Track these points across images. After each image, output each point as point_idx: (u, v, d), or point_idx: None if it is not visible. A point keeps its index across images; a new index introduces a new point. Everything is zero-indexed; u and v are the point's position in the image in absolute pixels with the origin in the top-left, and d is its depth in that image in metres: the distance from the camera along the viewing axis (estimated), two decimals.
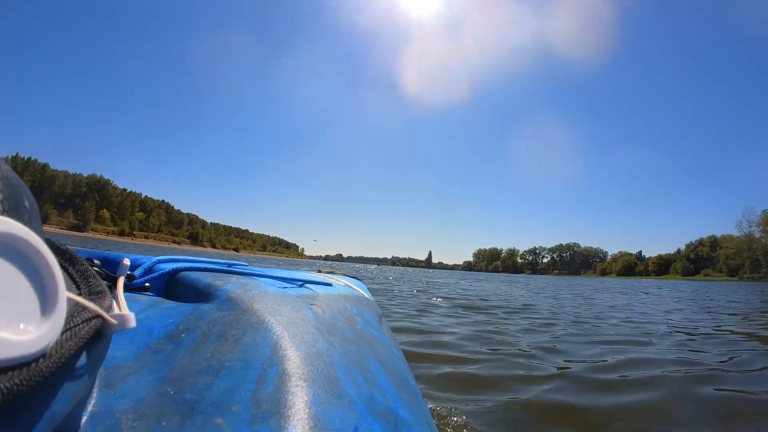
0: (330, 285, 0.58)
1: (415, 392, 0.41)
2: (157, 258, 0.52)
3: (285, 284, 0.50)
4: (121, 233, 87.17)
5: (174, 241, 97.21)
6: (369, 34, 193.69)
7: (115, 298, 0.27)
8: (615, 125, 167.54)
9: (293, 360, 0.30)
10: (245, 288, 0.41)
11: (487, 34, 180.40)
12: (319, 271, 0.82)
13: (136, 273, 0.47)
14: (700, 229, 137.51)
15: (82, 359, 0.19)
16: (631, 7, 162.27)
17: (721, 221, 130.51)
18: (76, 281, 0.23)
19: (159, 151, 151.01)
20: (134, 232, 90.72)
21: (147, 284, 0.45)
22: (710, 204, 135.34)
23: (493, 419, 1.33)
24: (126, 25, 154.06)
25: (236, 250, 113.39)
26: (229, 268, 0.52)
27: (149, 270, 0.49)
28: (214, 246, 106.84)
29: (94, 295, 0.22)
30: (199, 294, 0.42)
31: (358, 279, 0.83)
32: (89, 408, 0.24)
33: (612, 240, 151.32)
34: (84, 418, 0.23)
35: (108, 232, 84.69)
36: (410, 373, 0.46)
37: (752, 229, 68.46)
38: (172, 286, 0.48)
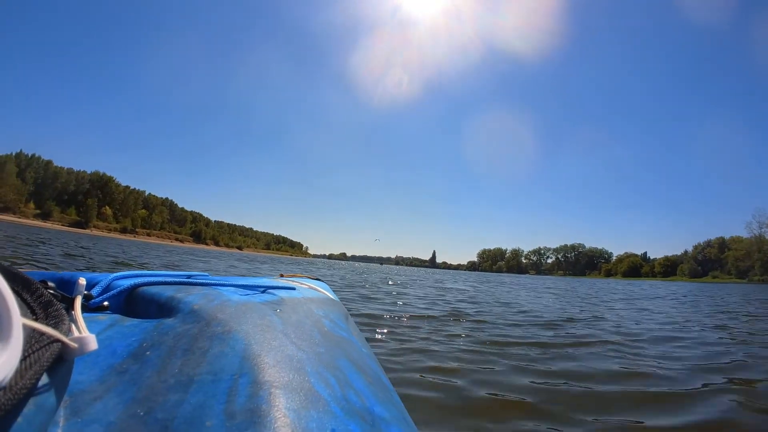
0: (293, 289, 0.57)
1: (389, 389, 0.41)
2: (115, 275, 0.50)
3: (247, 291, 0.49)
4: (123, 231, 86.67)
5: (177, 239, 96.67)
6: (365, 30, 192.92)
7: (74, 320, 0.26)
8: (618, 124, 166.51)
9: (263, 368, 0.29)
10: (208, 298, 0.40)
11: (484, 24, 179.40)
12: (281, 276, 0.81)
13: (94, 292, 0.45)
14: (708, 230, 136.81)
15: (45, 387, 0.19)
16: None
17: (729, 222, 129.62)
18: (30, 306, 0.22)
19: (164, 150, 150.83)
20: (136, 230, 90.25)
21: (105, 303, 0.44)
22: (718, 205, 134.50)
23: None
24: (126, 25, 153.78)
25: (239, 248, 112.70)
26: (189, 280, 0.51)
27: (107, 288, 0.47)
28: (217, 244, 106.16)
29: (51, 318, 0.22)
30: (161, 308, 0.40)
31: (321, 280, 0.83)
32: None
33: (616, 241, 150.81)
34: None
35: (110, 230, 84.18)
36: (382, 371, 0.46)
37: (762, 230, 67.74)
38: (132, 303, 0.46)
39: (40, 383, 0.18)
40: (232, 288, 0.49)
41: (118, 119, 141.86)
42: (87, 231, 76.00)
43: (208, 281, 0.52)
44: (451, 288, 9.34)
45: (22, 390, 0.16)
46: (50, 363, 0.18)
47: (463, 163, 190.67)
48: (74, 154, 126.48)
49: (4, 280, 0.16)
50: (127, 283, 0.47)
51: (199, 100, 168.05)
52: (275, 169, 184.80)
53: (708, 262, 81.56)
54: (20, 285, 0.24)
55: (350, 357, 0.40)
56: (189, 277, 0.55)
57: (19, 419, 0.17)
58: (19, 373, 0.16)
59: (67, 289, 0.37)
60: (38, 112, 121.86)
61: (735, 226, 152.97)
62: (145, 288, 0.46)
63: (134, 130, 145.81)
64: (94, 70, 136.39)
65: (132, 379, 0.28)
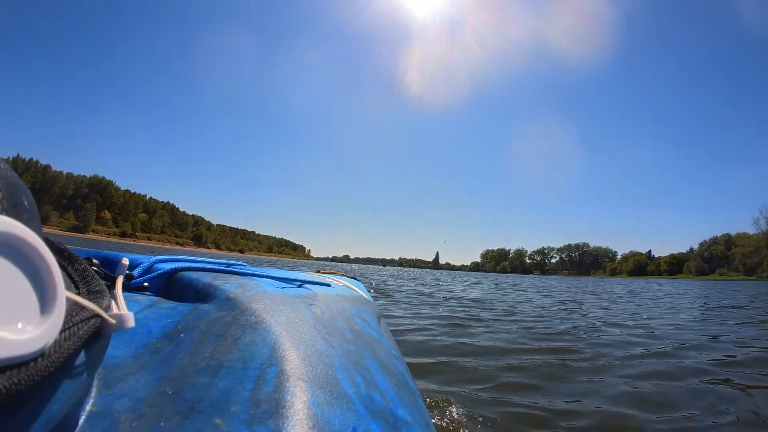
0: (329, 285, 0.58)
1: (414, 393, 0.41)
2: (156, 258, 0.52)
3: (284, 284, 0.50)
4: (123, 234, 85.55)
5: (177, 243, 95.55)
6: (372, 35, 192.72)
7: (114, 297, 0.27)
8: (622, 123, 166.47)
9: (292, 360, 0.30)
10: (244, 288, 0.41)
11: (490, 33, 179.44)
12: (318, 272, 0.82)
13: (135, 273, 0.46)
14: (713, 227, 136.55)
15: (81, 359, 0.19)
16: (636, 3, 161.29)
17: (735, 219, 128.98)
18: (74, 280, 0.23)
19: (166, 154, 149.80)
20: (136, 234, 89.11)
21: (146, 284, 0.45)
22: (723, 201, 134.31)
23: None
24: (127, 25, 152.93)
25: (241, 251, 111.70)
26: (228, 268, 0.52)
27: (148, 270, 0.49)
28: (218, 247, 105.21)
29: (92, 294, 0.22)
30: (198, 294, 0.42)
31: (357, 279, 0.82)
32: (87, 408, 0.24)
33: (620, 239, 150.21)
34: (82, 418, 0.23)
35: (109, 234, 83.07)
36: (409, 374, 0.46)
37: None
38: (171, 286, 0.48)
39: (78, 355, 0.19)
40: (268, 279, 0.50)
41: (122, 124, 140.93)
42: (85, 235, 74.88)
43: (246, 271, 0.53)
44: (490, 298, 6.45)
45: (59, 359, 0.16)
46: (88, 336, 0.19)
47: (465, 164, 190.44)
48: (77, 159, 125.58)
49: (52, 255, 0.16)
50: (167, 266, 0.49)
51: (203, 105, 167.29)
52: (278, 172, 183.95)
53: (715, 260, 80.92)
54: (66, 260, 0.25)
55: (378, 357, 0.40)
56: (228, 265, 0.56)
57: (56, 387, 0.18)
58: (59, 343, 0.17)
59: (110, 267, 0.40)
60: (40, 117, 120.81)
61: (741, 222, 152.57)
62: (184, 273, 0.48)
63: (136, 134, 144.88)
64: (99, 76, 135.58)
65: (164, 359, 0.28)
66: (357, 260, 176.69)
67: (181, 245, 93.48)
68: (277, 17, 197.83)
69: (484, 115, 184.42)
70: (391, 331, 0.61)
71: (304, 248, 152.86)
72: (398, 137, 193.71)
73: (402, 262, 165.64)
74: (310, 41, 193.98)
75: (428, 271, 59.75)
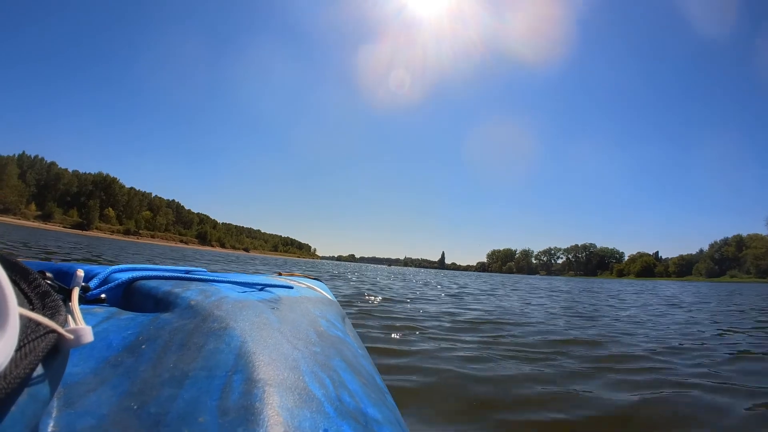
0: (291, 288, 0.57)
1: (383, 391, 0.41)
2: (113, 267, 0.50)
3: (245, 289, 0.49)
4: (127, 232, 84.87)
5: (181, 241, 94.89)
6: (378, 31, 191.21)
7: (70, 311, 0.26)
8: (630, 122, 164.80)
9: (258, 366, 0.29)
10: (205, 294, 0.40)
11: (485, 30, 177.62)
12: (279, 274, 0.82)
13: (91, 284, 0.45)
14: (722, 228, 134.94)
15: (39, 377, 0.19)
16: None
17: (746, 220, 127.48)
18: (27, 296, 0.22)
19: (172, 152, 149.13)
20: (140, 231, 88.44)
21: (103, 295, 0.44)
22: (732, 202, 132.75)
23: None
24: (134, 24, 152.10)
25: (246, 250, 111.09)
26: (188, 275, 0.51)
27: (105, 280, 0.47)
28: (223, 246, 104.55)
29: (47, 309, 0.22)
30: (157, 303, 0.40)
31: (320, 280, 0.83)
32: (49, 429, 0.23)
33: (627, 240, 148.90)
34: None
35: (112, 231, 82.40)
36: (377, 372, 0.46)
37: None
38: (130, 296, 0.46)
39: (35, 373, 0.18)
40: (229, 285, 0.49)
41: (127, 122, 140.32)
42: (89, 233, 74.25)
43: (206, 277, 0.52)
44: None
45: (16, 379, 0.16)
46: (45, 353, 0.18)
47: (472, 163, 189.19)
48: (84, 157, 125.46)
49: (2, 269, 0.16)
50: (124, 276, 0.47)
51: (208, 103, 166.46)
52: (284, 171, 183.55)
53: (725, 261, 79.71)
54: (18, 274, 0.24)
55: (345, 358, 0.39)
56: (187, 272, 0.55)
57: (13, 408, 0.17)
58: (14, 362, 0.16)
59: (65, 280, 0.37)
60: (45, 115, 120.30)
61: (753, 223, 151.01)
62: (142, 282, 0.46)
63: (142, 132, 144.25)
64: (104, 73, 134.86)
65: (126, 373, 0.27)
66: (363, 259, 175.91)
67: (185, 243, 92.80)
68: (284, 15, 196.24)
69: (490, 114, 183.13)
70: (356, 330, 0.60)
71: (310, 247, 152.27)
72: (404, 136, 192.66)
73: (407, 262, 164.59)
74: (298, 43, 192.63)
75: (432, 271, 58.59)
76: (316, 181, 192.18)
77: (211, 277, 0.52)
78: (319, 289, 0.70)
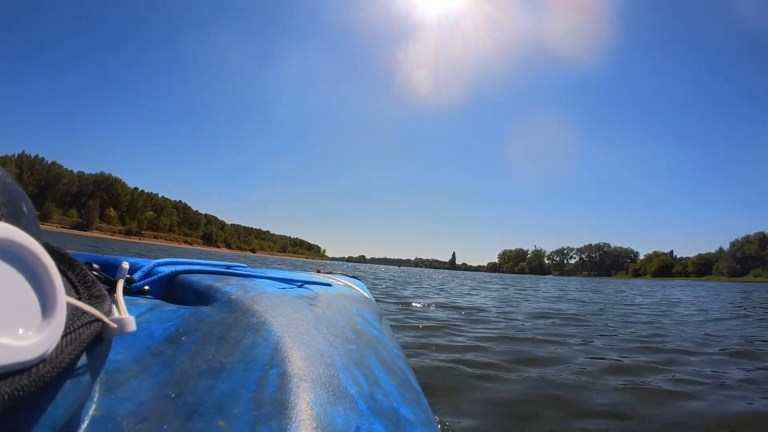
0: (329, 285, 0.58)
1: (417, 391, 0.41)
2: (157, 261, 0.52)
3: (284, 285, 0.50)
4: (128, 233, 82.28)
5: (186, 242, 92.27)
6: (388, 34, 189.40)
7: (115, 301, 0.27)
8: (644, 120, 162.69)
9: (294, 361, 0.30)
10: (245, 289, 0.41)
11: (502, 30, 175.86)
12: (318, 272, 0.82)
13: (136, 276, 0.46)
14: (740, 227, 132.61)
15: (83, 363, 0.19)
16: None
17: (765, 218, 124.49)
18: (75, 285, 0.23)
19: (181, 152, 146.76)
20: (142, 232, 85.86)
21: (146, 287, 0.45)
22: (750, 200, 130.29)
23: None
24: (138, 24, 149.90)
25: (253, 251, 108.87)
26: (229, 270, 0.52)
27: (148, 273, 0.49)
28: (229, 247, 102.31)
29: (93, 299, 0.22)
30: (198, 296, 0.42)
31: (358, 279, 0.83)
32: (90, 412, 0.23)
33: (641, 239, 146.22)
34: (85, 423, 0.23)
35: (114, 232, 79.83)
36: (412, 372, 0.46)
37: None
38: (172, 289, 0.48)
39: (79, 360, 0.19)
40: (269, 281, 0.50)
41: (137, 122, 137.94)
42: (88, 233, 71.66)
43: (247, 272, 0.53)
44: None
45: (61, 364, 0.16)
46: (90, 341, 0.19)
47: (483, 163, 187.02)
48: (90, 157, 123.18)
49: (52, 260, 0.16)
50: (168, 269, 0.49)
51: (221, 104, 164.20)
52: (294, 172, 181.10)
53: (748, 260, 77.26)
54: (66, 265, 0.25)
55: (380, 356, 0.40)
56: (228, 267, 0.56)
57: (57, 392, 0.18)
58: (60, 348, 0.17)
59: (110, 272, 0.39)
60: (49, 116, 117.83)
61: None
62: (185, 276, 0.48)
63: (150, 131, 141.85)
64: (114, 74, 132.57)
65: (166, 362, 0.28)
66: (373, 260, 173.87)
67: (190, 244, 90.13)
68: (281, 16, 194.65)
69: (502, 114, 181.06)
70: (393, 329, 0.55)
71: (319, 248, 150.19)
72: (417, 137, 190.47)
73: (418, 263, 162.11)
74: (311, 42, 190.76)
75: (442, 271, 55.84)
76: (327, 182, 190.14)
77: (251, 273, 0.53)
78: (357, 288, 0.70)
